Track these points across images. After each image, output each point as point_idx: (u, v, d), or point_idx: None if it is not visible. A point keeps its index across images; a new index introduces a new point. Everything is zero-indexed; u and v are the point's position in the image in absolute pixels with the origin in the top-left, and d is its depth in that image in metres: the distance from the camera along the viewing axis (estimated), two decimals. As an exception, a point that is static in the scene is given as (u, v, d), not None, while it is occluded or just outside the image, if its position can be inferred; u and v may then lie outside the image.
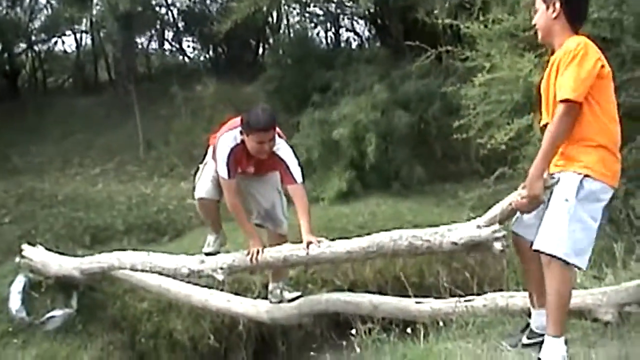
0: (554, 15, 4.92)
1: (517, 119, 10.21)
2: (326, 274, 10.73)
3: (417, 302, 7.01)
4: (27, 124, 18.80)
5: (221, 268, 7.03)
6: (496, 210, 5.45)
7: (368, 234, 6.80)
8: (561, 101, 4.69)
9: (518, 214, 5.24)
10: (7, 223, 13.22)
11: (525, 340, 5.43)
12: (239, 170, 6.83)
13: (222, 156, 6.63)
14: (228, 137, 6.66)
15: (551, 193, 4.86)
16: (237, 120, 6.72)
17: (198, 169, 7.31)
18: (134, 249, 8.95)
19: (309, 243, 6.47)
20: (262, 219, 7.30)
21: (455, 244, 5.70)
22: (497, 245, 5.47)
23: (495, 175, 11.17)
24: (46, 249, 10.12)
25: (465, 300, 6.72)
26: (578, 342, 5.51)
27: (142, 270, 8.22)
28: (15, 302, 9.35)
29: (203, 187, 7.16)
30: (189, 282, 8.72)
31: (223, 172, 6.65)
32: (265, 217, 7.27)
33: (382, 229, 10.73)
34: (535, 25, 5.15)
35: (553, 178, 4.87)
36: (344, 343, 6.74)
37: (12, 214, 13.51)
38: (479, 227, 5.58)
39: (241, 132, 6.55)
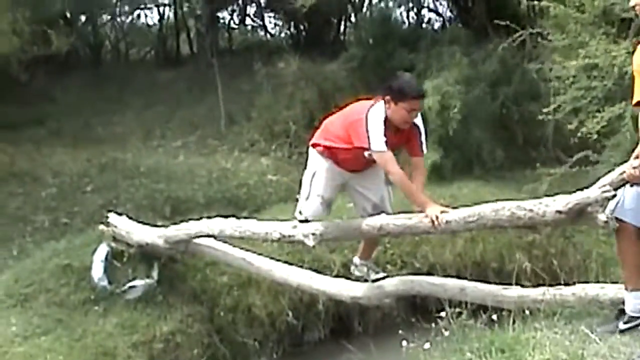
0: None
1: (608, 107, 9.94)
2: (406, 256, 10.69)
3: (504, 288, 6.92)
4: (109, 95, 19.05)
5: (313, 234, 6.93)
6: (606, 179, 5.38)
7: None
8: None
9: (620, 200, 5.21)
10: (89, 192, 13.41)
11: (622, 326, 5.38)
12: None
13: (377, 127, 6.45)
14: (378, 110, 6.53)
15: None
16: (365, 103, 6.70)
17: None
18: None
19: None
20: (369, 215, 7.10)
21: (560, 212, 5.58)
22: (602, 217, 5.37)
23: (577, 157, 10.98)
24: (128, 218, 10.24)
25: (554, 289, 6.63)
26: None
27: (230, 238, 8.30)
28: (97, 271, 9.43)
29: (310, 207, 7.06)
30: (271, 259, 8.76)
31: (381, 145, 6.44)
32: (372, 212, 7.07)
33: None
34: None
35: None
36: (432, 326, 6.66)
37: (94, 183, 13.69)
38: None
39: (387, 102, 6.48)
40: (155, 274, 9.60)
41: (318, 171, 6.98)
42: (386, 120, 6.49)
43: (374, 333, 10.09)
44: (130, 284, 9.43)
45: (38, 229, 12.13)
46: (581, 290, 6.37)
